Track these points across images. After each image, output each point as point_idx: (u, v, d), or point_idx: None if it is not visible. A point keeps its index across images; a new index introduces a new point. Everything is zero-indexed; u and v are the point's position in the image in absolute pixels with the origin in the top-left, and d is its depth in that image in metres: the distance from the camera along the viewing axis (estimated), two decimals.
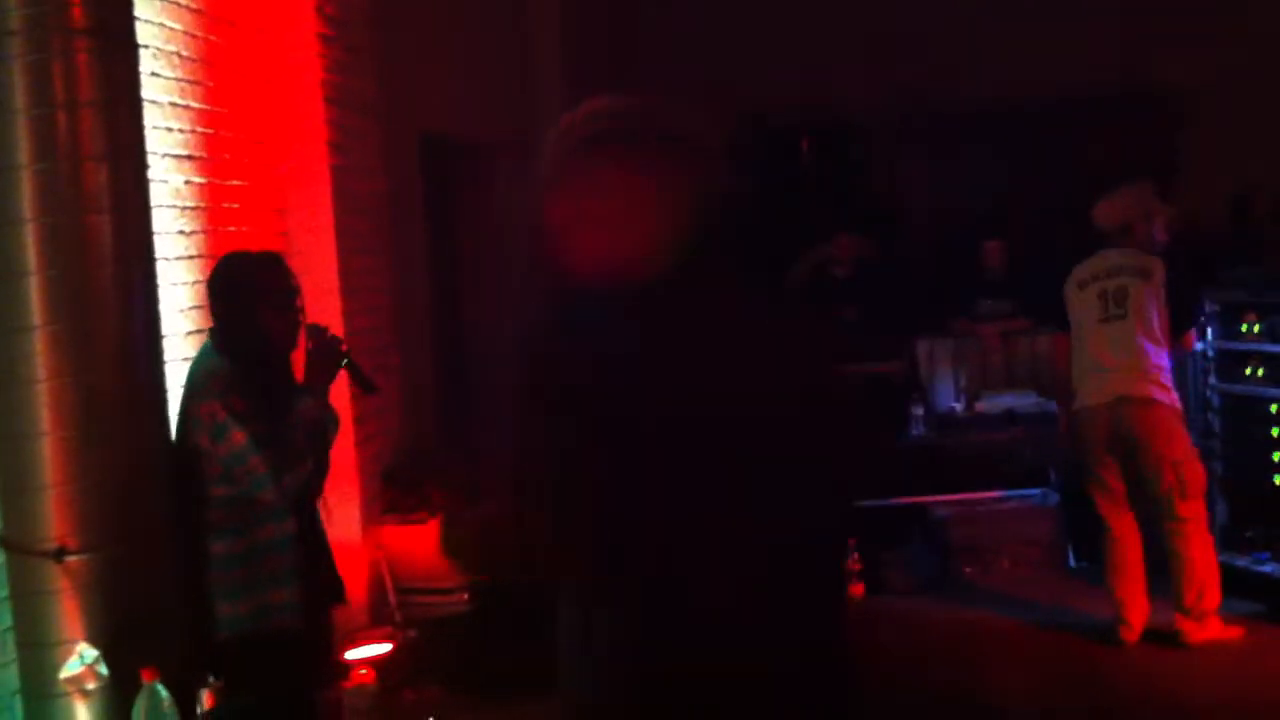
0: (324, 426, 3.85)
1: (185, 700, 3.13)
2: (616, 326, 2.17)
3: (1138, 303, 5.82)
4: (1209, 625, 5.83)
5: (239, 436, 3.66)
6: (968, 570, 7.19)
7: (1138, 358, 5.80)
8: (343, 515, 4.22)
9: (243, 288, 3.86)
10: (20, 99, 3.36)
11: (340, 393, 4.56)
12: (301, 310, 3.91)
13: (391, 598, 6.03)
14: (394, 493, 6.22)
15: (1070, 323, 6.05)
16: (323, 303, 5.37)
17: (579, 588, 2.27)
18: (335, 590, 4.10)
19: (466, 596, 5.97)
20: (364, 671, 3.39)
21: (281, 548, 3.79)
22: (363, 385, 4.10)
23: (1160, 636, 5.87)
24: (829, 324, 2.37)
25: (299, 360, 3.95)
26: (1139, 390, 5.78)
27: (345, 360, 3.94)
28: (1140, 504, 5.92)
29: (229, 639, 3.73)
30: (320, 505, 4.03)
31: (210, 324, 3.97)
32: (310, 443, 3.77)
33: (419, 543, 6.04)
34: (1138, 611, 5.89)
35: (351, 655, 4.71)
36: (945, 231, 9.61)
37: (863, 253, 8.24)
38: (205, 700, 3.11)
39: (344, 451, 4.94)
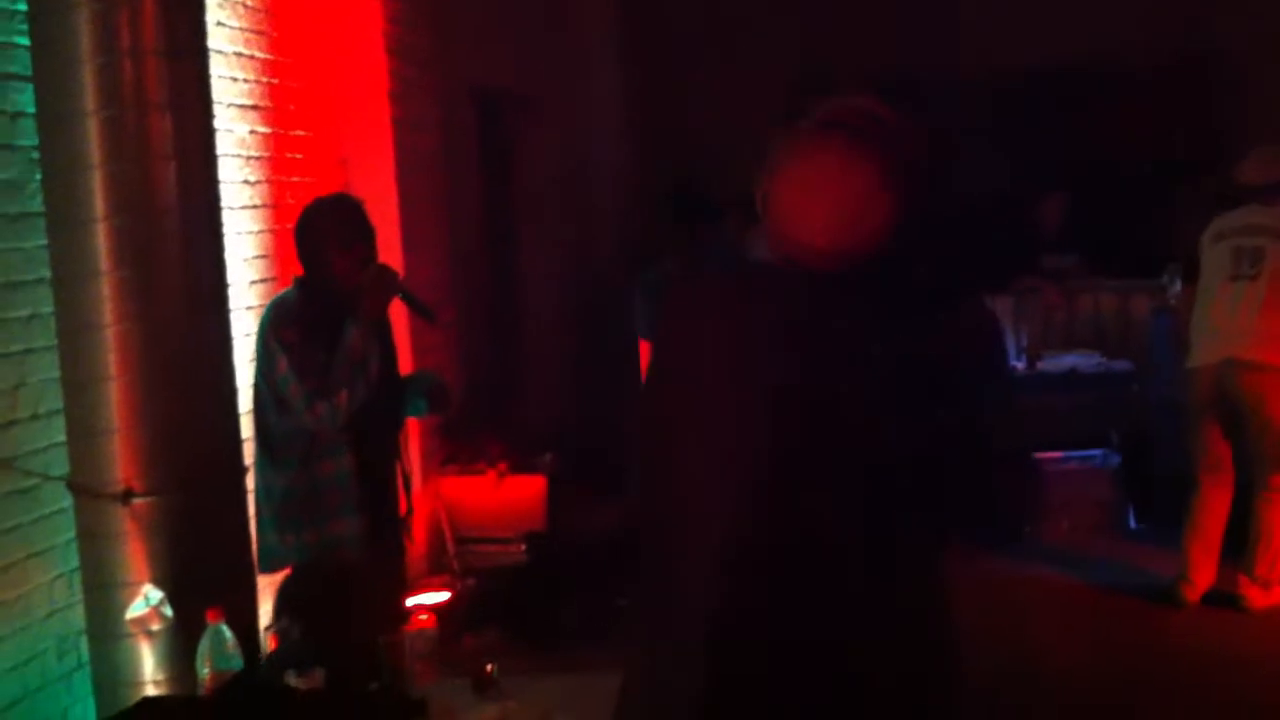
0: (365, 358, 3.87)
1: (249, 641, 3.17)
2: (809, 302, 2.21)
3: (1273, 265, 5.67)
4: (1273, 593, 5.76)
5: (282, 364, 3.79)
6: (1027, 530, 7.15)
7: (1259, 320, 5.62)
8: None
9: (312, 226, 3.96)
10: (86, 46, 3.39)
11: (403, 345, 4.59)
12: (369, 251, 3.96)
13: (450, 547, 6.08)
14: (453, 444, 6.26)
15: (1200, 275, 5.89)
16: (383, 256, 5.39)
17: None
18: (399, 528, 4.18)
19: (523, 547, 6.02)
20: (424, 617, 3.41)
21: (341, 482, 3.88)
22: (422, 314, 4.16)
23: (1220, 598, 5.81)
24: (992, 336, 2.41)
25: None
26: (1251, 354, 5.63)
27: (400, 292, 3.98)
28: (1240, 469, 5.81)
29: (294, 568, 3.81)
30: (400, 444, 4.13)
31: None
32: (351, 374, 3.81)
33: (477, 493, 6.09)
34: (1204, 572, 5.82)
35: (412, 601, 4.75)
36: (1005, 191, 9.50)
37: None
38: (268, 642, 3.15)
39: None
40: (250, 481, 3.88)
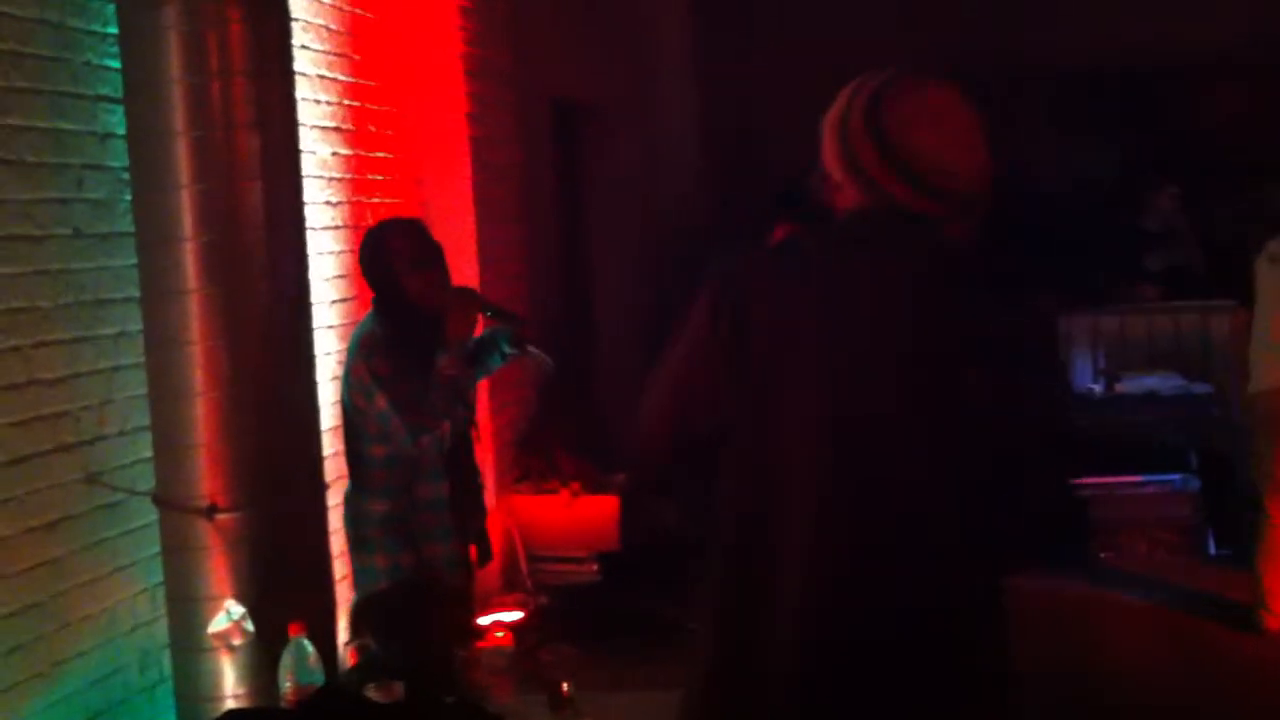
0: (461, 385, 3.91)
1: (330, 655, 3.21)
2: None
3: None
4: None
5: (381, 400, 3.78)
6: (1104, 554, 7.06)
7: None
8: None
9: (382, 251, 3.96)
10: (176, 68, 3.46)
11: None
12: (442, 271, 3.98)
13: (523, 565, 6.10)
14: (527, 462, 6.29)
15: (1256, 297, 5.79)
16: (462, 272, 5.43)
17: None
18: (484, 551, 4.18)
19: (595, 566, 6.03)
20: (500, 634, 3.44)
21: (437, 506, 3.92)
22: (509, 322, 4.16)
23: None
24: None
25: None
26: None
27: (485, 309, 4.01)
28: None
29: (389, 589, 3.84)
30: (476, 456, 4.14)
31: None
32: (448, 403, 3.84)
33: (551, 511, 6.11)
34: None
35: (487, 619, 4.78)
36: (1074, 199, 9.37)
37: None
38: (349, 656, 3.18)
39: (479, 420, 5.01)
40: (331, 498, 3.92)
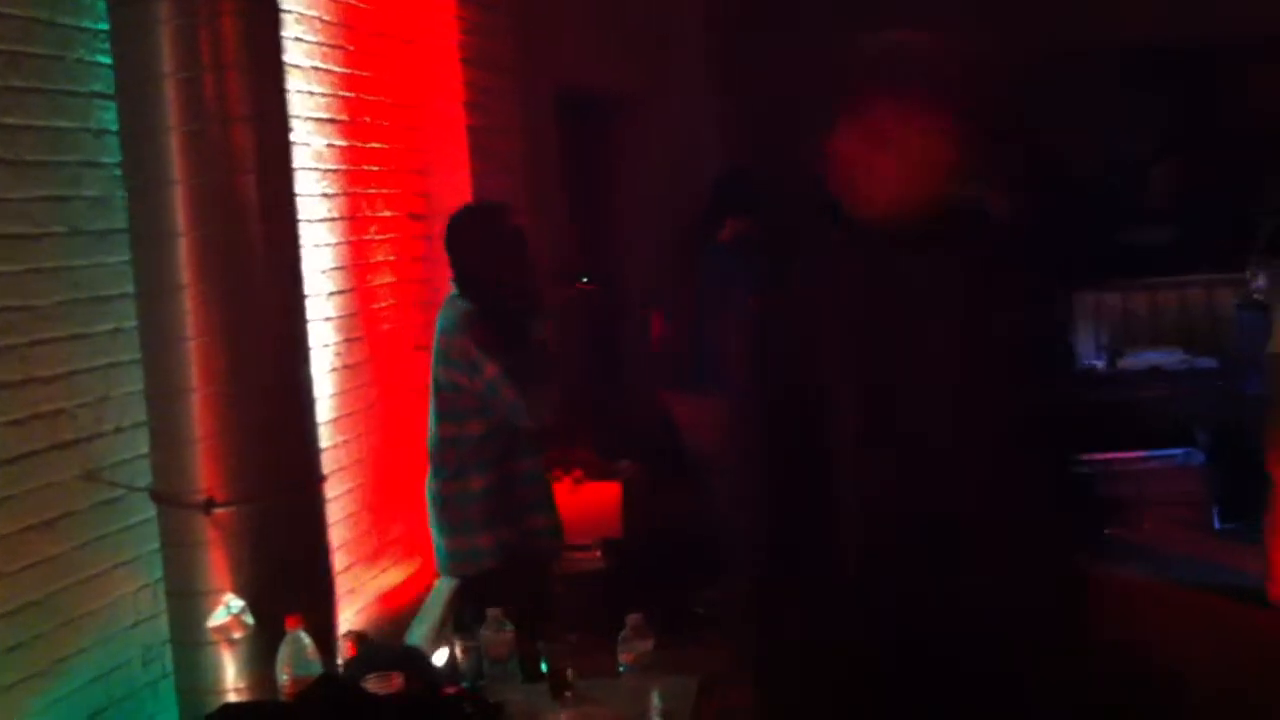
0: (557, 351, 4.07)
1: (327, 647, 3.22)
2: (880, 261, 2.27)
3: None
4: None
5: (491, 369, 3.92)
6: (1109, 530, 7.05)
7: None
8: None
9: (465, 236, 4.16)
10: (168, 62, 3.46)
11: None
12: (524, 251, 4.13)
13: None
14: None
15: None
16: None
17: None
18: None
19: (600, 553, 6.03)
20: (502, 621, 3.44)
21: (532, 479, 4.12)
22: (598, 282, 4.35)
23: None
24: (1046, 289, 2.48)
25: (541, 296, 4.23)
26: None
27: (582, 277, 4.16)
28: None
29: (495, 566, 3.99)
30: None
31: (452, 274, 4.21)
32: (552, 363, 3.99)
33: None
34: None
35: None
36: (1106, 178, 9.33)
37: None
38: (346, 648, 3.20)
39: None
40: (329, 490, 3.93)
